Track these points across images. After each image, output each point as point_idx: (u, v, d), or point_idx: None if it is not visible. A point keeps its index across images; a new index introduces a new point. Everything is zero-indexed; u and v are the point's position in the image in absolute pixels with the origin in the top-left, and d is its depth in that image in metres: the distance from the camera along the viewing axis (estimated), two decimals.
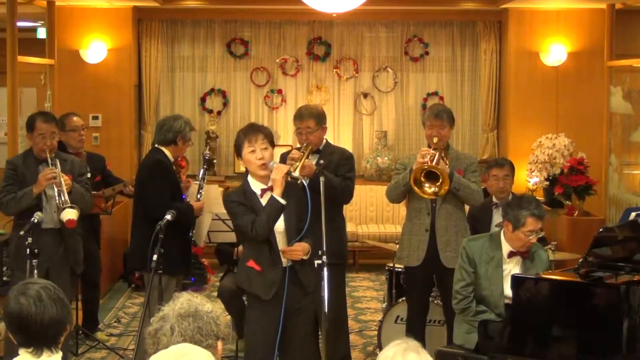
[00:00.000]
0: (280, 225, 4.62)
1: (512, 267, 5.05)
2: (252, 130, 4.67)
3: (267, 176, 4.61)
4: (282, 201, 4.54)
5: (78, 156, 6.86)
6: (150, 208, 5.60)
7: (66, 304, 2.92)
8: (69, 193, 5.55)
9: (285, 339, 4.62)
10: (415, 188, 5.43)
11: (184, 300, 2.77)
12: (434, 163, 5.42)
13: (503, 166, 6.28)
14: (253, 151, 4.61)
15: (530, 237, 4.96)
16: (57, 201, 5.53)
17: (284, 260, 4.63)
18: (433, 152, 5.51)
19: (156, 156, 5.74)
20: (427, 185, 5.45)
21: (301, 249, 4.59)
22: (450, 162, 5.57)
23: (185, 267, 5.83)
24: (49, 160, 5.64)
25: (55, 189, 5.54)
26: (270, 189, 4.59)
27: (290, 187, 4.68)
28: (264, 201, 4.61)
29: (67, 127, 6.87)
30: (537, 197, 5.53)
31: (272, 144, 4.68)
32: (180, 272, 5.76)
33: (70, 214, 5.44)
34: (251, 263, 4.65)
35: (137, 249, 5.62)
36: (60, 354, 2.91)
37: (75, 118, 6.96)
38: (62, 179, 5.54)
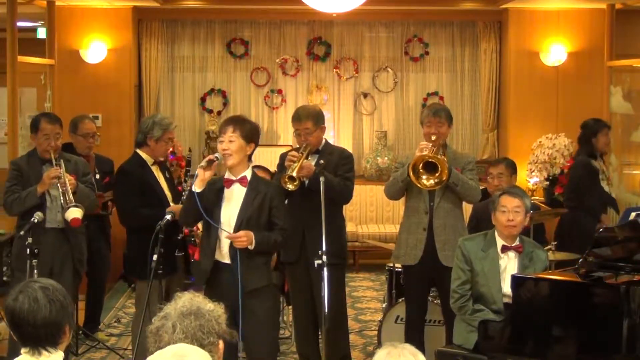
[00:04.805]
0: (230, 217, 4.68)
1: (507, 263, 5.07)
2: (225, 122, 4.80)
3: (231, 167, 4.72)
4: (196, 189, 4.62)
5: (87, 159, 6.86)
6: (119, 217, 5.67)
7: (65, 306, 2.90)
8: (74, 193, 5.53)
9: None
10: (413, 176, 5.42)
11: (186, 299, 2.78)
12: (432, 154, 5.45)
13: (497, 165, 6.44)
14: (221, 141, 4.72)
15: (506, 214, 4.98)
16: (62, 200, 5.51)
17: (223, 255, 4.69)
18: (432, 147, 5.52)
19: (123, 165, 5.76)
20: (424, 177, 5.45)
21: (245, 235, 4.59)
22: (448, 162, 5.57)
23: (167, 269, 5.35)
24: (53, 160, 5.62)
25: (60, 189, 5.53)
26: (233, 181, 4.69)
27: (260, 183, 4.76)
28: (228, 192, 4.71)
29: (79, 130, 6.84)
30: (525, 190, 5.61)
31: (249, 139, 4.71)
32: (162, 275, 5.25)
33: (75, 213, 5.43)
34: (197, 251, 4.80)
35: (126, 257, 5.70)
36: (60, 353, 2.89)
37: (88, 123, 6.91)
38: (66, 179, 5.53)
